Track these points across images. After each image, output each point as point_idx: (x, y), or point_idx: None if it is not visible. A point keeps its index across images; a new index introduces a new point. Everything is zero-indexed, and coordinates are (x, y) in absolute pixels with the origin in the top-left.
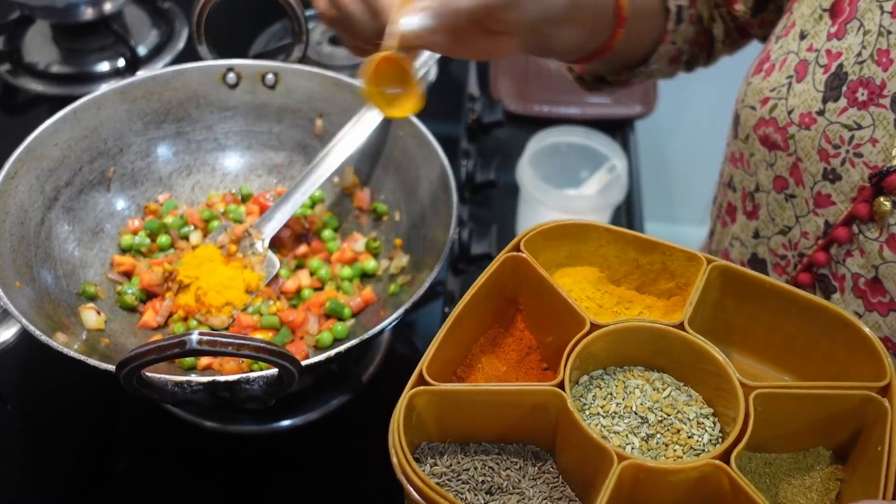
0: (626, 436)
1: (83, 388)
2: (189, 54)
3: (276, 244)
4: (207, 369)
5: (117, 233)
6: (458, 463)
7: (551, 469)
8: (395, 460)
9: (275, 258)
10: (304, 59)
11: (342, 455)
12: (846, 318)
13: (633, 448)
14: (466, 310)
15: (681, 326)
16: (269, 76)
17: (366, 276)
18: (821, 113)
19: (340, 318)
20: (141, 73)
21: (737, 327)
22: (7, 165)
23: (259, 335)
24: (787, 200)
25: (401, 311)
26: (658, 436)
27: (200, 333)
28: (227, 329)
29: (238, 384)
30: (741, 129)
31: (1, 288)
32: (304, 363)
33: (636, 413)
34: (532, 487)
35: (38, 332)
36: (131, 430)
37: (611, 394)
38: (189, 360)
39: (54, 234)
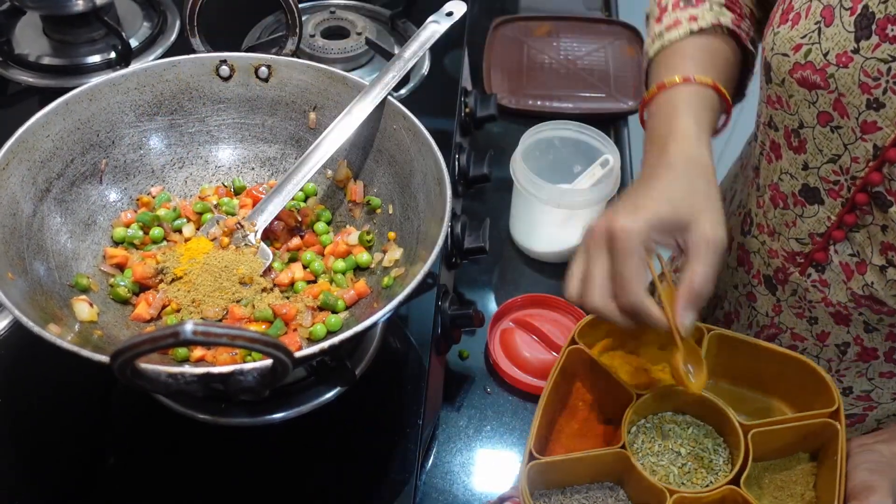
0: (668, 467)
1: (76, 381)
2: (181, 47)
3: (269, 237)
4: (200, 361)
5: (110, 225)
6: (561, 503)
7: (623, 497)
8: None
9: (268, 250)
10: (297, 52)
11: (335, 448)
12: (810, 364)
13: (673, 476)
14: (550, 395)
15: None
16: (263, 69)
17: (359, 269)
18: (856, 51)
19: (334, 311)
20: (133, 65)
21: (732, 368)
22: None
23: (253, 327)
24: (832, 132)
25: (394, 303)
26: (689, 464)
27: (195, 324)
28: (220, 321)
29: (232, 375)
30: (774, 74)
31: None
32: (297, 354)
33: (672, 450)
34: None
35: (30, 324)
36: (124, 423)
37: (653, 437)
38: (182, 352)
39: (46, 226)
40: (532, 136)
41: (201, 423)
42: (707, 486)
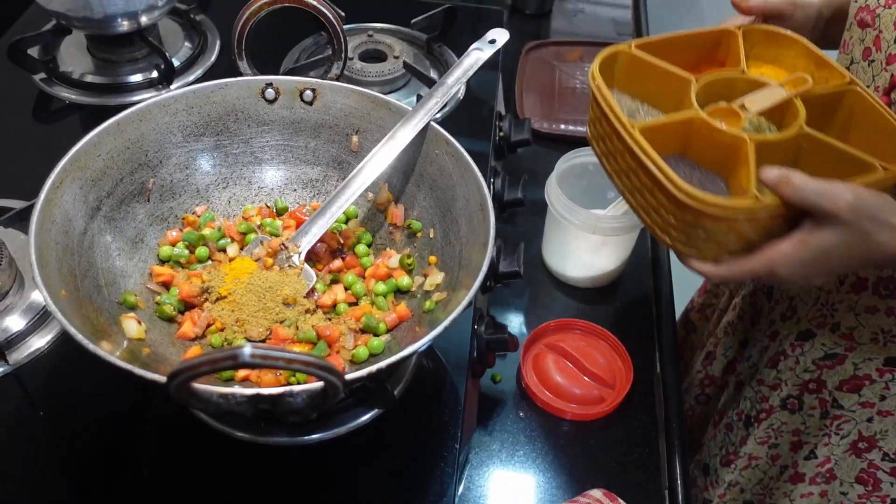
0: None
1: (115, 394)
2: (221, 67)
3: (311, 258)
4: (245, 381)
5: (156, 243)
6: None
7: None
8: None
9: (311, 271)
10: (341, 76)
11: (371, 470)
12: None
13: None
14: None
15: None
16: (308, 92)
17: (400, 292)
18: None
19: (376, 334)
20: (177, 86)
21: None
22: (53, 175)
23: (296, 348)
24: (869, 66)
25: (440, 328)
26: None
27: (253, 347)
28: (263, 341)
29: (282, 397)
30: (849, 21)
31: (49, 297)
32: (348, 377)
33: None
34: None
35: (86, 342)
36: (160, 437)
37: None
38: (228, 372)
39: (97, 244)
40: (567, 162)
41: (238, 441)
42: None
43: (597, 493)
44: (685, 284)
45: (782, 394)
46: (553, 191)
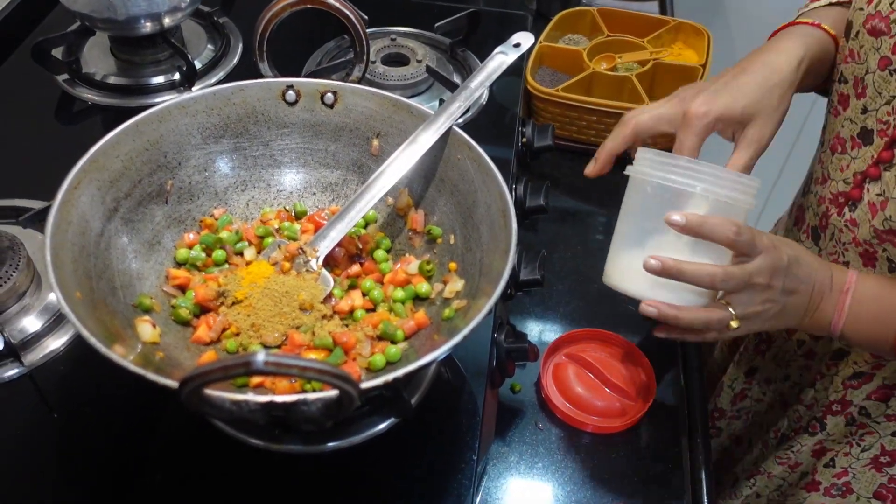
0: None
1: (129, 397)
2: (243, 69)
3: (329, 263)
4: (260, 387)
5: (173, 246)
6: None
7: None
8: None
9: (329, 276)
10: (362, 79)
11: (386, 480)
12: None
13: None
14: None
15: None
16: (329, 95)
17: (418, 299)
18: None
19: (393, 341)
20: (199, 88)
21: None
22: (70, 176)
23: (312, 354)
24: (890, 75)
25: (459, 336)
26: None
27: (267, 354)
28: (279, 347)
29: (296, 405)
30: (852, 30)
31: (63, 299)
32: (363, 386)
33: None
34: None
35: (99, 345)
36: (174, 441)
37: None
38: (242, 378)
39: (113, 245)
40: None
41: (252, 448)
42: None
43: None
44: None
45: (808, 415)
46: (648, 156)
